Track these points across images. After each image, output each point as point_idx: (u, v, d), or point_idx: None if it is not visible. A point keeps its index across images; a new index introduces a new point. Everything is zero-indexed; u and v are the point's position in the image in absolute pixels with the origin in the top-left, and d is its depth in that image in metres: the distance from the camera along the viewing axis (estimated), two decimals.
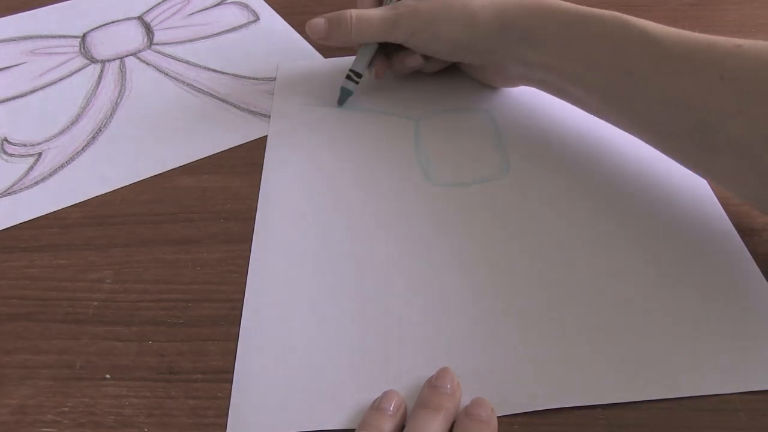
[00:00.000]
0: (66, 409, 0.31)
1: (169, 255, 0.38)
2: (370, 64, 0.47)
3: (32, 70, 0.55)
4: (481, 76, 0.48)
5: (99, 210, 0.42)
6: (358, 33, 0.45)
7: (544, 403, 0.30)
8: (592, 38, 0.38)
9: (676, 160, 0.37)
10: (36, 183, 0.44)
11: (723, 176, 0.35)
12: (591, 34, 0.38)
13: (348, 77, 0.47)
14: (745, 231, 0.36)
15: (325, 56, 0.53)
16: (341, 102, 0.48)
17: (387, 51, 0.48)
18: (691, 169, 0.37)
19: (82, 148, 0.46)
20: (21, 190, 0.44)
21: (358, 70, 0.47)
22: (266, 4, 0.60)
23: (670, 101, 0.34)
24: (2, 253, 0.39)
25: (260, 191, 0.42)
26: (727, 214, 0.37)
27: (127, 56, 0.55)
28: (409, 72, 0.48)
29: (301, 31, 0.56)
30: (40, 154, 0.46)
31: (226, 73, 0.53)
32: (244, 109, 0.49)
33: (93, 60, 0.55)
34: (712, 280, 0.34)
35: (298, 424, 0.30)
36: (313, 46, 0.54)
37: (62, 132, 0.48)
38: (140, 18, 0.60)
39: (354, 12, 0.44)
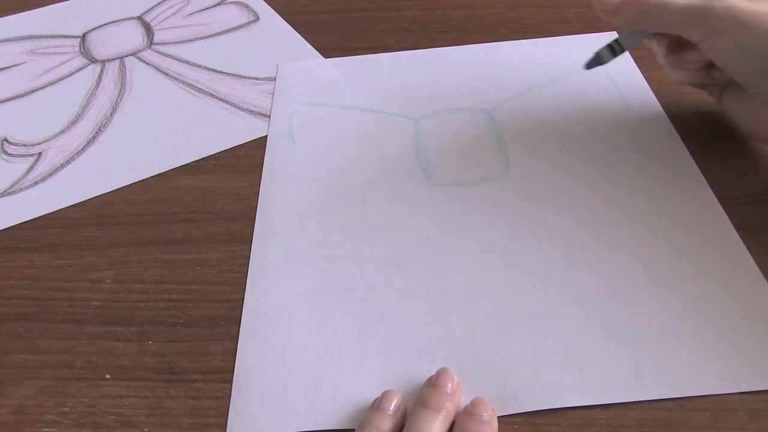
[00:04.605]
0: (66, 409, 0.31)
1: (169, 255, 0.38)
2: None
3: (32, 70, 0.55)
4: (757, 118, 0.38)
5: (99, 210, 0.42)
6: (648, 16, 0.37)
7: (544, 403, 0.30)
8: None
9: None
10: (36, 183, 0.44)
11: None
12: None
13: (610, 46, 0.40)
14: (745, 231, 0.36)
15: (325, 56, 0.53)
16: (590, 66, 0.41)
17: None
18: None
19: (82, 148, 0.46)
20: (21, 190, 0.44)
21: (626, 45, 0.40)
22: (266, 4, 0.60)
23: None
24: (2, 253, 0.39)
25: (260, 191, 0.42)
26: (727, 214, 0.37)
27: (127, 56, 0.55)
28: (679, 70, 0.41)
29: (301, 31, 0.56)
30: (40, 154, 0.46)
31: (226, 73, 0.53)
32: (244, 109, 0.49)
33: (93, 60, 0.55)
34: (712, 280, 0.34)
35: (298, 424, 0.30)
36: (313, 46, 0.54)
37: (62, 132, 0.48)
38: (140, 18, 0.60)
39: None
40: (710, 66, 0.39)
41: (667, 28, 0.37)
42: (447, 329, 0.33)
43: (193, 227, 0.40)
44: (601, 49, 0.41)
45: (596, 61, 0.41)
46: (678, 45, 0.39)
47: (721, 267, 0.35)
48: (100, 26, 0.59)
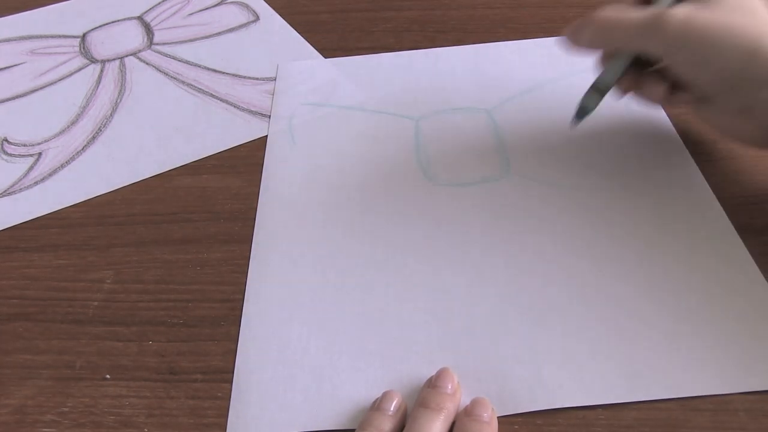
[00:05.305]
0: (66, 409, 0.31)
1: (169, 255, 0.38)
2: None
3: (32, 70, 0.55)
4: (731, 126, 0.37)
5: (99, 210, 0.42)
6: (605, 36, 0.37)
7: (544, 403, 0.30)
8: None
9: None
10: (36, 183, 0.44)
11: None
12: None
13: (592, 90, 0.38)
14: (745, 231, 0.36)
15: (325, 56, 0.53)
16: (579, 119, 0.39)
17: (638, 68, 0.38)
18: None
19: (82, 148, 0.46)
20: (21, 190, 0.44)
21: (607, 81, 0.38)
22: (266, 4, 0.60)
23: None
24: (2, 253, 0.39)
25: (260, 191, 0.42)
26: (727, 214, 0.37)
27: (127, 56, 0.55)
28: (654, 103, 0.39)
29: (301, 31, 0.56)
30: (40, 154, 0.46)
31: (226, 73, 0.53)
32: (244, 109, 0.49)
33: (93, 60, 0.55)
34: (712, 280, 0.34)
35: (298, 424, 0.30)
36: (313, 46, 0.54)
37: (62, 132, 0.48)
38: (140, 18, 0.60)
39: (606, 13, 0.36)
40: (675, 88, 0.37)
41: (626, 46, 0.37)
42: (447, 329, 0.33)
43: (192, 227, 0.40)
44: (585, 97, 0.39)
45: (582, 112, 0.39)
46: (640, 78, 0.38)
47: (721, 267, 0.35)
48: (100, 26, 0.59)
